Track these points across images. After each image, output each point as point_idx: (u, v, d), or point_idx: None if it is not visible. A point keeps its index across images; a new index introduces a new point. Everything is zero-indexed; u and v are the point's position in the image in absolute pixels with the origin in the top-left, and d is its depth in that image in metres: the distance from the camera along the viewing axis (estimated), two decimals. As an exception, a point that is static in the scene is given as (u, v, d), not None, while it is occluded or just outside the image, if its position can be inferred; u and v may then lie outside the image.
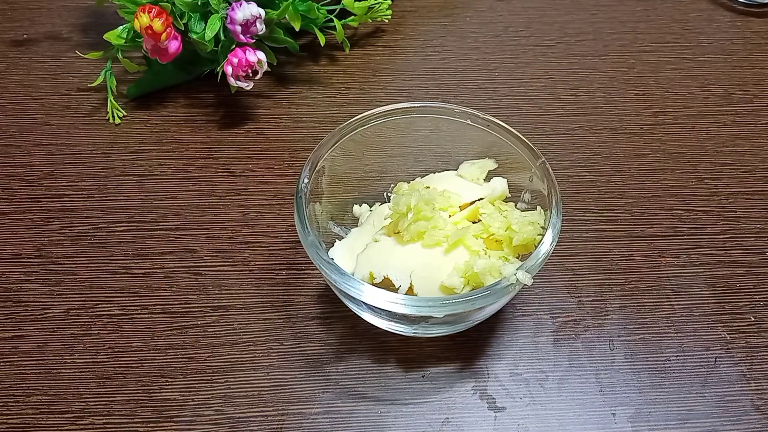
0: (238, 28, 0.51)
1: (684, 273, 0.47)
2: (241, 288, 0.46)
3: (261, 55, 0.52)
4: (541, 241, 0.39)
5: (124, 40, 0.53)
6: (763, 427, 0.41)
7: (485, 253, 0.39)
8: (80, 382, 0.42)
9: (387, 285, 0.39)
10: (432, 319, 0.39)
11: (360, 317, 0.43)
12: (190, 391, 0.42)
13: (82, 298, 0.45)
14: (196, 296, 0.46)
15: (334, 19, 0.57)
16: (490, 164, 0.44)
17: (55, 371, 0.42)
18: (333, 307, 0.45)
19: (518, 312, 0.45)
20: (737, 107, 0.57)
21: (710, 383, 0.42)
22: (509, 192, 0.43)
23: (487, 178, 0.44)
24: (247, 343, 0.44)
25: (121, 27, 0.53)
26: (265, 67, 0.53)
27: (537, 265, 0.38)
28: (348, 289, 0.37)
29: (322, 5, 0.57)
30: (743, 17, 0.65)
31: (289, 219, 0.49)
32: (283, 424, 0.41)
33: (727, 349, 0.44)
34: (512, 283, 0.37)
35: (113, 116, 0.55)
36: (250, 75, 0.53)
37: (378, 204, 0.45)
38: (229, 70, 0.52)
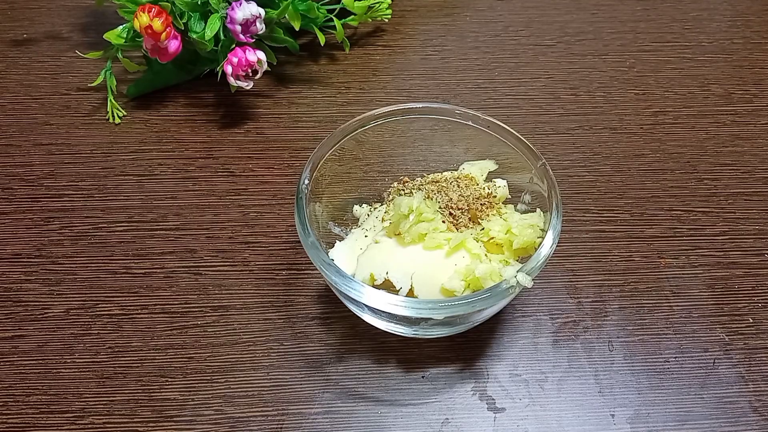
0: (238, 28, 0.51)
1: (683, 274, 0.47)
2: (241, 288, 0.46)
3: (261, 55, 0.52)
4: (541, 243, 0.39)
5: (124, 40, 0.53)
6: (761, 428, 0.41)
7: (486, 257, 0.39)
8: (80, 381, 0.42)
9: (387, 286, 0.39)
10: (432, 321, 0.39)
11: (360, 318, 0.43)
12: (190, 391, 0.42)
13: (82, 298, 0.45)
14: (196, 296, 0.46)
15: (334, 18, 0.57)
16: (490, 165, 0.44)
17: (55, 371, 0.42)
18: (333, 308, 0.45)
19: (518, 313, 0.45)
20: (737, 107, 0.57)
21: (709, 385, 0.43)
22: (509, 193, 0.43)
23: (488, 179, 0.44)
24: (247, 343, 0.44)
25: (121, 26, 0.53)
26: (265, 66, 0.53)
27: (537, 268, 0.38)
28: (348, 290, 0.37)
29: (321, 5, 0.57)
30: (743, 17, 0.65)
31: (289, 219, 0.49)
32: (283, 424, 0.41)
33: (726, 350, 0.44)
34: (512, 286, 0.37)
35: (113, 116, 0.55)
36: (250, 74, 0.53)
37: (378, 204, 0.45)
38: (228, 69, 0.52)
